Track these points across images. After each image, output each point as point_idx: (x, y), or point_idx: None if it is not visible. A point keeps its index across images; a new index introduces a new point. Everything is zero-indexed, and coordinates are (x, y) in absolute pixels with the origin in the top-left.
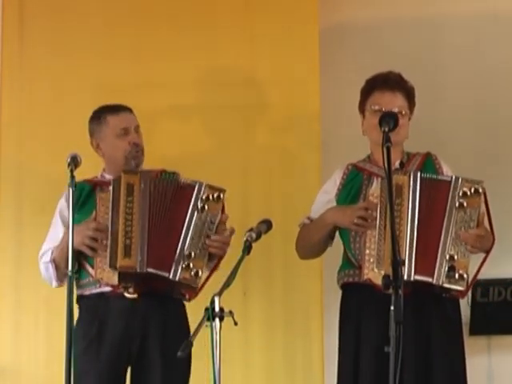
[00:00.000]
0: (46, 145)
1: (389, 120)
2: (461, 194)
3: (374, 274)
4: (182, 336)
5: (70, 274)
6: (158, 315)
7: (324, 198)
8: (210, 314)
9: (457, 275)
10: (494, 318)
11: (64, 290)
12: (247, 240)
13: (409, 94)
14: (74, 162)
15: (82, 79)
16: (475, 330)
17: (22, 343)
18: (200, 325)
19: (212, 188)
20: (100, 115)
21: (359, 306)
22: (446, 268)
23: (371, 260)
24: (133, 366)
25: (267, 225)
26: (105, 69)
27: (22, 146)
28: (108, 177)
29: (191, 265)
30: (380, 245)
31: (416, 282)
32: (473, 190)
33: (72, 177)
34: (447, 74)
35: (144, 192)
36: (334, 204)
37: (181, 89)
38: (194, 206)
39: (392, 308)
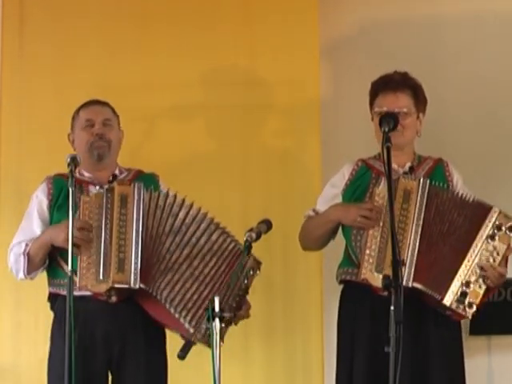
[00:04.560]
0: (46, 143)
1: (389, 120)
2: (496, 225)
3: (371, 275)
4: (163, 340)
5: (69, 274)
6: (140, 320)
7: (331, 192)
8: (210, 314)
9: (467, 302)
10: (493, 317)
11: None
12: (247, 240)
13: (415, 92)
14: (74, 162)
15: (83, 78)
16: (475, 330)
17: (22, 343)
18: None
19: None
20: (76, 111)
21: (355, 305)
22: (459, 292)
23: (370, 260)
24: (113, 371)
25: (267, 225)
26: (105, 68)
27: (22, 144)
28: (87, 174)
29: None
30: (381, 247)
31: (414, 289)
32: (508, 226)
33: (72, 177)
34: (447, 74)
35: (138, 204)
36: (341, 199)
37: (181, 89)
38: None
39: (392, 308)
